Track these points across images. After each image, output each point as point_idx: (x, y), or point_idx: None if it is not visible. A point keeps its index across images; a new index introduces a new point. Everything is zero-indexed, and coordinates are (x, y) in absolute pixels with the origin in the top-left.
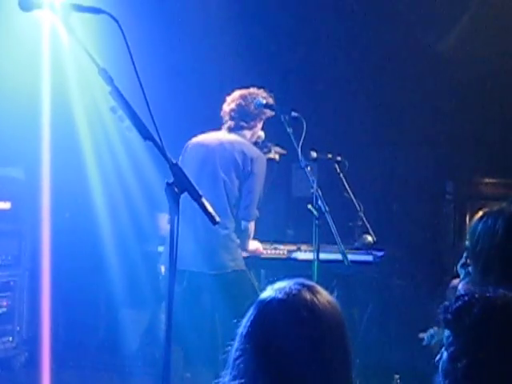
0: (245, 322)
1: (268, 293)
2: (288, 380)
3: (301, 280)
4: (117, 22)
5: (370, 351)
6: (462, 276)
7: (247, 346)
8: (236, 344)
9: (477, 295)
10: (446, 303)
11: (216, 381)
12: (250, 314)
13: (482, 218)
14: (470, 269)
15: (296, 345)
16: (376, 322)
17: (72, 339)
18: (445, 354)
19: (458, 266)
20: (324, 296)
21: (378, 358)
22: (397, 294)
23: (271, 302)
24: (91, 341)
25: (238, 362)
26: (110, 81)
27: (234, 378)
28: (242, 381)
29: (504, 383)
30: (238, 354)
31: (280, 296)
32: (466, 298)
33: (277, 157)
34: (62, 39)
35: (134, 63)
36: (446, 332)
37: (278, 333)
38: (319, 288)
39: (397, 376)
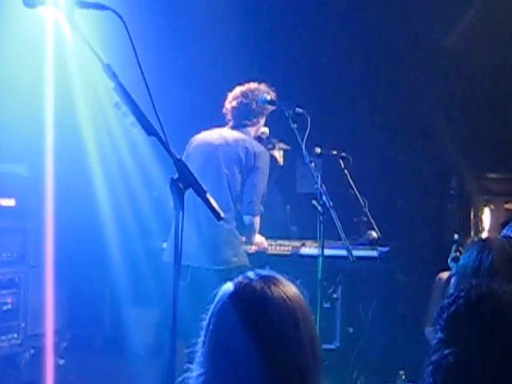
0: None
1: (226, 285)
2: (236, 373)
3: (259, 271)
4: (121, 18)
5: (375, 347)
6: (453, 270)
7: (204, 338)
8: (202, 338)
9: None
10: (442, 305)
11: (186, 374)
12: (212, 308)
13: (475, 243)
14: None
15: (244, 336)
16: (381, 318)
17: (77, 335)
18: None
19: (449, 260)
20: (281, 287)
21: (382, 353)
22: (401, 290)
23: (225, 294)
24: (96, 337)
25: (198, 354)
26: (114, 77)
27: (196, 369)
28: (202, 371)
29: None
30: (199, 346)
31: (232, 288)
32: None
33: (281, 160)
34: (66, 36)
35: (138, 59)
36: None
37: (227, 324)
38: (279, 279)
39: (402, 372)
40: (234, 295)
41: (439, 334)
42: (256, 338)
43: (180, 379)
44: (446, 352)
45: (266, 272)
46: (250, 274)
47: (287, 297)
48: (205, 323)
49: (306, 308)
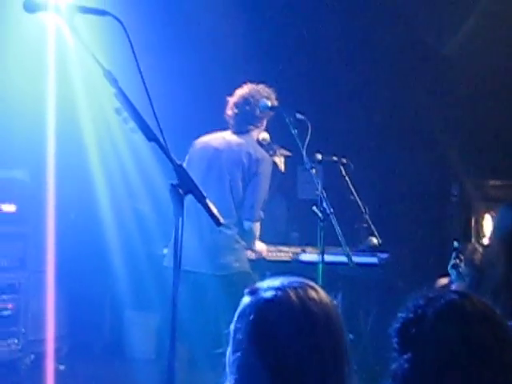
0: (237, 324)
1: (261, 294)
2: (289, 376)
3: (293, 278)
4: (121, 23)
5: (375, 354)
6: (453, 277)
7: (248, 347)
8: (232, 348)
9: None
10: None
11: None
12: (243, 314)
13: (503, 209)
14: (460, 269)
15: (295, 342)
16: (381, 325)
17: (77, 341)
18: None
19: (449, 267)
20: (316, 292)
21: (382, 360)
22: (401, 297)
23: (267, 302)
24: (96, 342)
25: (238, 364)
26: (114, 82)
27: (237, 381)
28: (249, 378)
29: None
30: (237, 356)
31: (274, 296)
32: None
33: (282, 167)
34: (67, 41)
35: (138, 64)
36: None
37: (277, 332)
38: (312, 284)
39: None
40: (280, 304)
41: (395, 351)
42: (307, 343)
43: None
44: (401, 361)
45: (297, 278)
46: (284, 281)
47: (323, 300)
48: (238, 334)
49: (335, 309)
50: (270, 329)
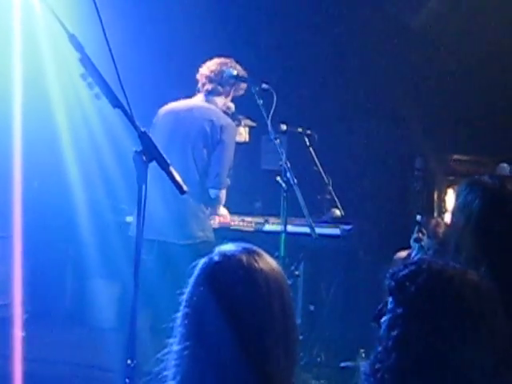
0: (190, 287)
1: (207, 257)
2: (224, 342)
3: (240, 244)
4: None
5: (336, 325)
6: (415, 250)
7: (188, 310)
8: (183, 305)
9: (425, 265)
10: (394, 269)
11: (166, 350)
12: (195, 277)
13: (465, 189)
14: (422, 243)
15: (234, 304)
16: (342, 296)
17: (39, 308)
18: (384, 320)
19: (411, 241)
20: (263, 258)
21: (343, 331)
22: (363, 269)
23: (209, 264)
24: (58, 310)
25: (180, 327)
26: (79, 48)
27: (179, 343)
28: (187, 343)
29: (429, 359)
30: (180, 319)
31: (217, 258)
32: (413, 267)
33: (247, 137)
34: (35, 6)
35: (104, 30)
36: (389, 299)
37: (216, 293)
38: (260, 251)
39: (362, 350)
40: (221, 265)
41: (399, 307)
42: (245, 308)
43: (158, 355)
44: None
45: (246, 244)
46: (232, 246)
47: (272, 268)
48: (184, 296)
49: (286, 279)
50: (210, 290)
